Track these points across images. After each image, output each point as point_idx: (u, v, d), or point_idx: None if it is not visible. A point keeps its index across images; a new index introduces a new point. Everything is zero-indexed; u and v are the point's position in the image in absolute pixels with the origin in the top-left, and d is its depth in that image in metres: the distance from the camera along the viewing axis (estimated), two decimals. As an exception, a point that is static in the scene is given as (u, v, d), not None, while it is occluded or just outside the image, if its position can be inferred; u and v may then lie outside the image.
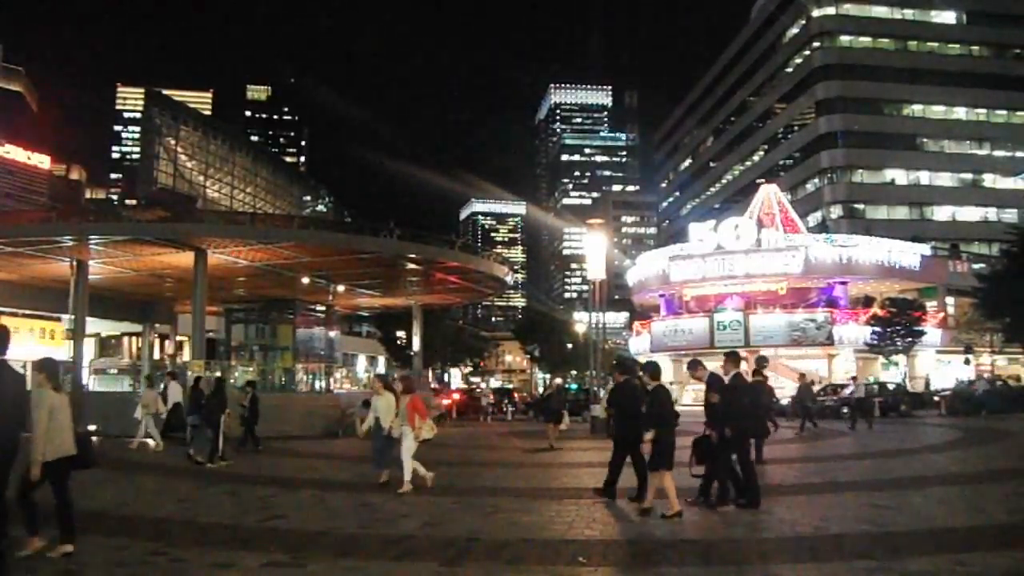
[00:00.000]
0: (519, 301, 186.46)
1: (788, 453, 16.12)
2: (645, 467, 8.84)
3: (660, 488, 8.23)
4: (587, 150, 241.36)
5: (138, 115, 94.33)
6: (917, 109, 64.01)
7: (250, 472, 13.28)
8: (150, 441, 16.61)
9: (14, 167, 45.67)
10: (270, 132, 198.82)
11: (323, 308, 34.57)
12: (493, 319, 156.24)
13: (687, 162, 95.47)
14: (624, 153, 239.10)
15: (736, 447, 8.72)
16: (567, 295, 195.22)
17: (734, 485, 8.75)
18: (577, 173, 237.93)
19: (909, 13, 65.43)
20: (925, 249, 48.29)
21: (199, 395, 15.43)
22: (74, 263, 24.81)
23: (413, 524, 8.06)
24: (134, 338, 39.94)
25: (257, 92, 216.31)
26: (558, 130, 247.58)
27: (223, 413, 14.47)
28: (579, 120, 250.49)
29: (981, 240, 58.82)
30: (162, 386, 18.60)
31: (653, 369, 9.20)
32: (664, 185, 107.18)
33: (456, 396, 37.61)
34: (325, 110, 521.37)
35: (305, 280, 28.77)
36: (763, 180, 57.79)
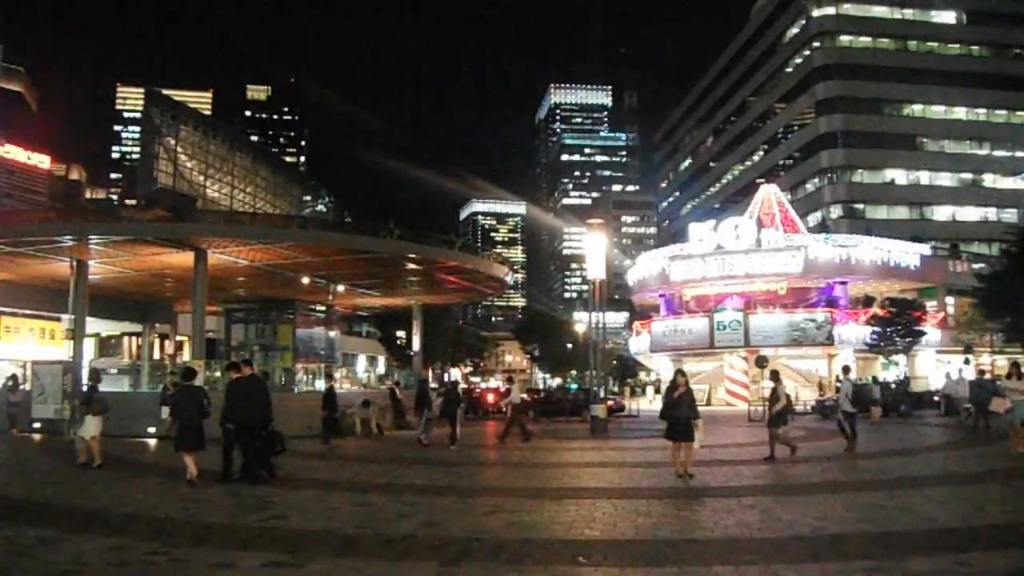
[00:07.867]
0: (519, 301, 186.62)
1: (787, 453, 16.07)
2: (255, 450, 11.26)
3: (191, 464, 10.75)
4: (587, 150, 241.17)
5: (138, 115, 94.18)
6: (917, 109, 63.97)
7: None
8: None
9: (14, 167, 45.63)
10: (270, 132, 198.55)
11: (323, 308, 34.63)
12: (493, 319, 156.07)
13: (687, 162, 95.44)
14: (624, 153, 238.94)
15: (242, 437, 11.15)
16: (567, 295, 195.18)
17: (262, 466, 11.26)
18: (577, 173, 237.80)
19: (909, 13, 65.37)
20: (925, 249, 48.21)
21: (425, 393, 19.17)
22: (74, 263, 24.83)
23: (413, 524, 8.06)
24: (134, 338, 39.99)
25: (257, 92, 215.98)
26: (558, 130, 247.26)
27: (458, 407, 18.48)
28: (579, 120, 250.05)
29: (981, 240, 58.83)
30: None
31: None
32: (664, 185, 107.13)
33: None
34: (325, 110, 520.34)
35: (305, 280, 28.82)
36: (763, 180, 57.72)
